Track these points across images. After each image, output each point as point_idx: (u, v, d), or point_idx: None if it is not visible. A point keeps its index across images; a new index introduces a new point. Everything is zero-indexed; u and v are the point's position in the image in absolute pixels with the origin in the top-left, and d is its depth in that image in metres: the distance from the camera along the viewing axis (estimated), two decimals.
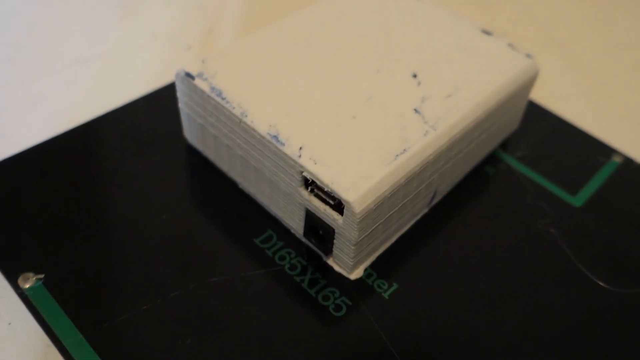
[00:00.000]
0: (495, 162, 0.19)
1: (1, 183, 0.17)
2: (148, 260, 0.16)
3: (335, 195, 0.14)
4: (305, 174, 0.15)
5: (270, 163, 0.16)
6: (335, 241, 0.15)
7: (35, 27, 0.25)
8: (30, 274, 0.15)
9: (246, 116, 0.15)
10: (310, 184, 0.15)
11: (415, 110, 0.16)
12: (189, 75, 0.16)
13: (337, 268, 0.16)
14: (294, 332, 0.15)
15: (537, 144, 0.20)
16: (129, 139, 0.19)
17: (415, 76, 0.17)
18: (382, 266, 0.16)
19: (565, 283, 0.16)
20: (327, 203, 0.15)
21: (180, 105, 0.18)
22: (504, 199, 0.18)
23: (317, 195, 0.15)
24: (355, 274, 0.16)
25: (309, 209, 0.15)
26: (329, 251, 0.16)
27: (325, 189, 0.14)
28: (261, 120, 0.15)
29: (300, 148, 0.15)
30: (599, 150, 0.20)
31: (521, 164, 0.19)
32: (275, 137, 0.15)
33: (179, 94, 0.17)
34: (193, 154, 0.19)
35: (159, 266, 0.16)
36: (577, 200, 0.18)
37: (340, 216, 0.15)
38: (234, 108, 0.16)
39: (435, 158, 0.16)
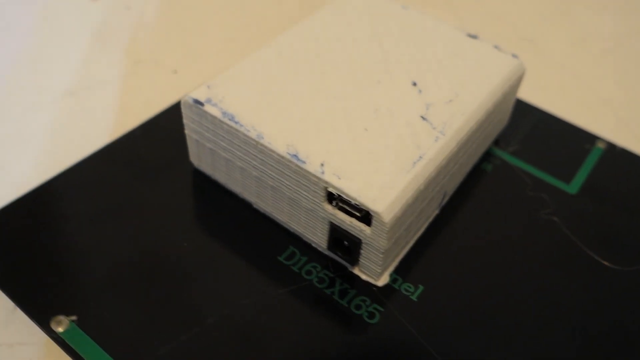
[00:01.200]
0: (491, 158, 0.20)
1: (10, 228, 0.17)
2: (177, 290, 0.16)
3: (363, 207, 0.15)
4: (330, 189, 0.15)
5: (290, 182, 0.16)
6: (361, 251, 0.16)
7: (18, 60, 0.24)
8: (62, 317, 0.15)
9: (262, 138, 0.16)
10: (335, 198, 0.15)
11: (422, 118, 0.17)
12: (197, 102, 0.17)
13: (364, 277, 0.16)
14: (334, 343, 0.15)
15: (526, 138, 0.21)
16: (133, 171, 0.19)
17: (415, 84, 0.18)
18: (405, 270, 0.17)
19: (575, 266, 0.17)
20: (352, 215, 0.15)
21: (187, 131, 0.18)
22: (505, 193, 0.19)
23: (341, 209, 0.15)
24: (382, 281, 0.16)
25: (334, 222, 0.16)
26: (355, 261, 0.16)
27: (352, 202, 0.15)
28: (278, 141, 0.16)
29: (322, 164, 0.15)
30: (583, 139, 0.21)
31: (515, 158, 0.20)
32: (295, 156, 0.15)
33: (185, 120, 0.18)
34: (200, 178, 0.19)
35: (190, 294, 0.16)
36: (572, 187, 0.20)
37: (367, 227, 0.15)
38: (248, 131, 0.16)
39: (447, 162, 0.16)
